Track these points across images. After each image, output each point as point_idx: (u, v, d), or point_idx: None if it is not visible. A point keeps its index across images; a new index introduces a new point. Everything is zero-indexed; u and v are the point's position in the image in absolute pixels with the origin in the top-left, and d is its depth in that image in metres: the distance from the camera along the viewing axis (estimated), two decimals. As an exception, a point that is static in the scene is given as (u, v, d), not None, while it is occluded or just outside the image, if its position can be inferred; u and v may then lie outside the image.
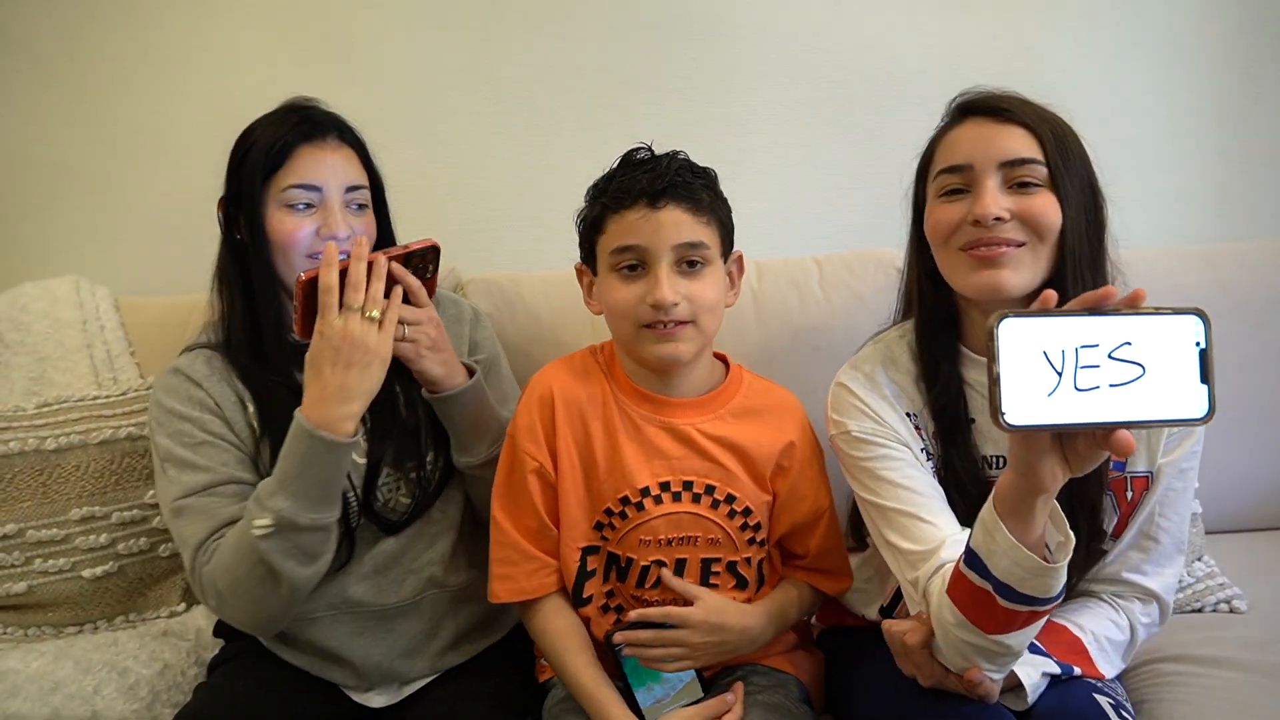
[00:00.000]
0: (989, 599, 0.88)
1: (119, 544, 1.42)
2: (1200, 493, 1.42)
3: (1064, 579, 0.86)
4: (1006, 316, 0.72)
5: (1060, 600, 0.89)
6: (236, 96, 1.74)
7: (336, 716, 1.20)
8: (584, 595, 1.18)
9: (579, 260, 1.20)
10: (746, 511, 1.16)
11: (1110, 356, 0.72)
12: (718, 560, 1.17)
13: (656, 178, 1.09)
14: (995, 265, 1.03)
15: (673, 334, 1.10)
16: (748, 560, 1.18)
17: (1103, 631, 1.09)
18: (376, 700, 1.21)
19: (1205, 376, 0.73)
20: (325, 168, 1.19)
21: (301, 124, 1.20)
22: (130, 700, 1.25)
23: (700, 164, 1.15)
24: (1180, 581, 1.36)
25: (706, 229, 1.11)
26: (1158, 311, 0.74)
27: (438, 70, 1.74)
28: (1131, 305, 0.74)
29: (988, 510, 0.87)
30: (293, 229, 1.17)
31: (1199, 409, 0.74)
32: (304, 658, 1.21)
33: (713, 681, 1.20)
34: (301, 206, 1.18)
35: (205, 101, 1.75)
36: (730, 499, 1.15)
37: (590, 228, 1.16)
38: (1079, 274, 1.05)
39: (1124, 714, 1.01)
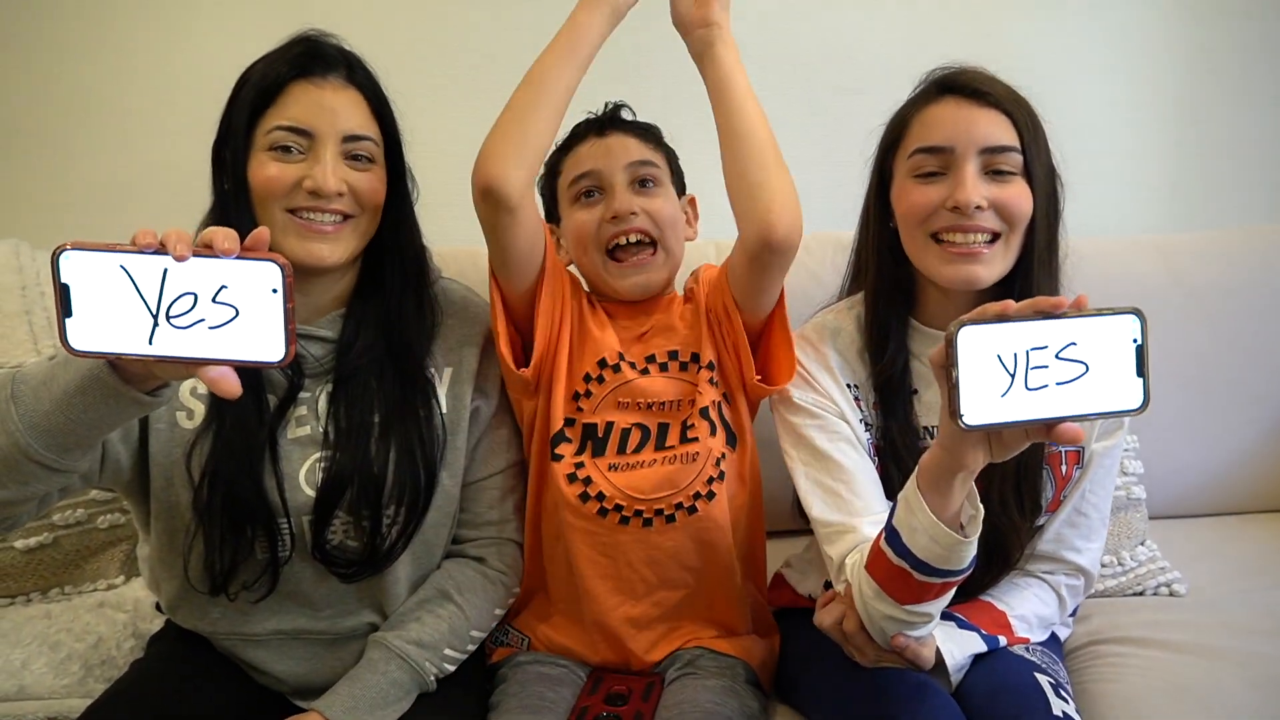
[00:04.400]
0: (905, 574, 0.91)
1: (54, 514, 1.38)
2: (1144, 479, 1.45)
3: (974, 551, 0.91)
4: (965, 325, 0.77)
5: (971, 570, 0.92)
6: (190, 63, 1.71)
7: (273, 708, 1.14)
8: (556, 451, 1.16)
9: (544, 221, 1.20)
10: (711, 365, 1.18)
11: (1057, 356, 0.78)
12: (690, 415, 1.17)
13: (600, 115, 1.22)
14: (971, 261, 1.04)
15: (642, 263, 1.17)
16: (715, 403, 1.17)
17: (1030, 610, 1.13)
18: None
19: (1141, 370, 0.79)
20: (320, 109, 1.04)
21: (301, 57, 1.06)
22: (60, 675, 1.22)
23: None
24: (1123, 565, 1.39)
25: (655, 153, 1.21)
26: (1099, 312, 0.78)
27: (394, 39, 1.71)
28: (1077, 309, 0.79)
29: (910, 488, 0.90)
30: (273, 176, 1.03)
31: (1135, 400, 0.79)
32: (246, 666, 1.15)
33: (663, 662, 1.19)
34: (294, 151, 1.04)
35: (158, 67, 1.71)
36: (696, 358, 1.19)
37: (548, 178, 1.24)
38: (1042, 256, 1.07)
39: (1063, 694, 1.02)
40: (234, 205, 1.05)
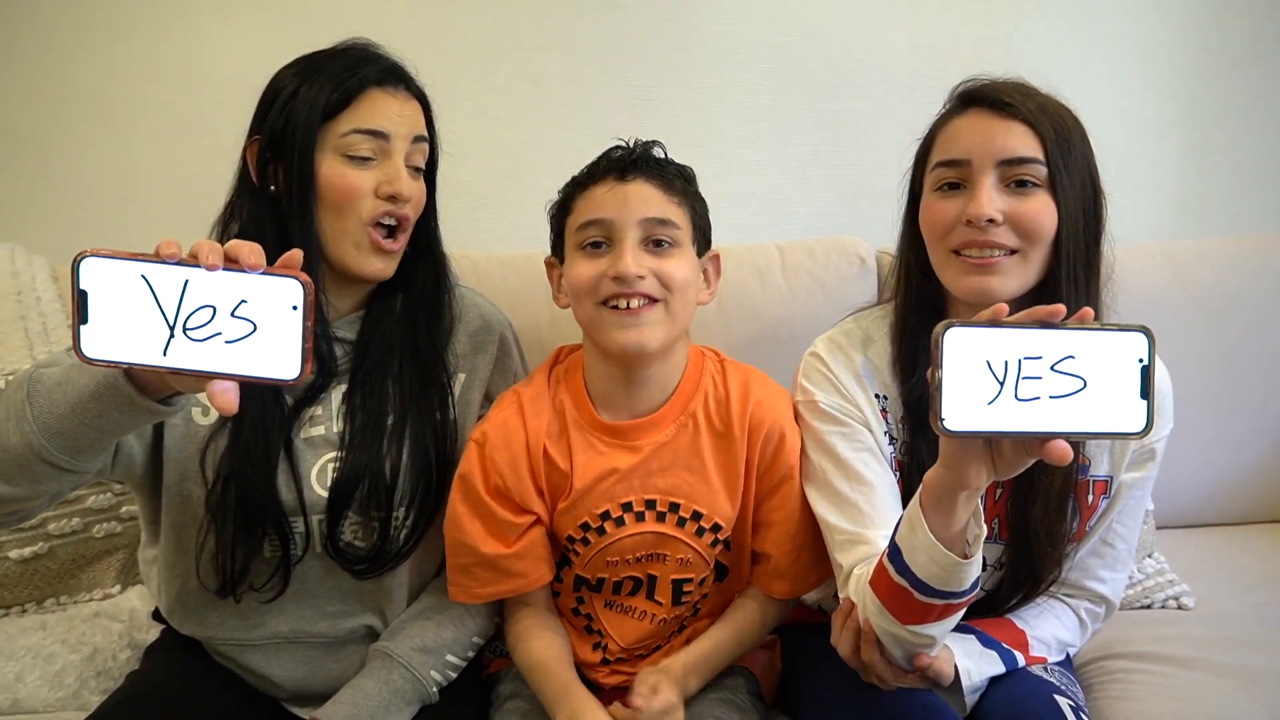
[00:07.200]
0: (907, 594, 0.90)
1: (50, 524, 1.36)
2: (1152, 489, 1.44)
3: (978, 572, 0.89)
4: (952, 325, 0.74)
5: (975, 592, 0.90)
6: (189, 67, 1.69)
7: (270, 717, 1.15)
8: (559, 574, 1.17)
9: (549, 254, 1.16)
10: (716, 528, 1.12)
11: (1053, 369, 0.74)
12: (689, 580, 1.14)
13: (626, 154, 1.08)
14: (986, 272, 1.01)
15: (637, 315, 1.04)
16: (715, 570, 1.16)
17: (1050, 633, 1.11)
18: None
19: (1146, 392, 0.75)
20: (396, 115, 1.07)
21: (371, 64, 1.08)
22: (55, 688, 1.21)
23: (678, 161, 1.12)
24: (1131, 578, 1.37)
25: (678, 209, 1.07)
26: (1104, 327, 0.75)
27: (402, 41, 1.69)
28: (1079, 321, 0.76)
29: (913, 505, 0.88)
30: (354, 183, 1.04)
31: (1137, 423, 0.75)
32: (243, 671, 1.15)
33: None
34: (363, 158, 1.05)
35: (155, 70, 1.68)
36: (697, 516, 1.12)
37: (559, 211, 1.13)
38: (1073, 273, 1.02)
39: (1082, 716, 1.01)
40: (293, 210, 1.04)
